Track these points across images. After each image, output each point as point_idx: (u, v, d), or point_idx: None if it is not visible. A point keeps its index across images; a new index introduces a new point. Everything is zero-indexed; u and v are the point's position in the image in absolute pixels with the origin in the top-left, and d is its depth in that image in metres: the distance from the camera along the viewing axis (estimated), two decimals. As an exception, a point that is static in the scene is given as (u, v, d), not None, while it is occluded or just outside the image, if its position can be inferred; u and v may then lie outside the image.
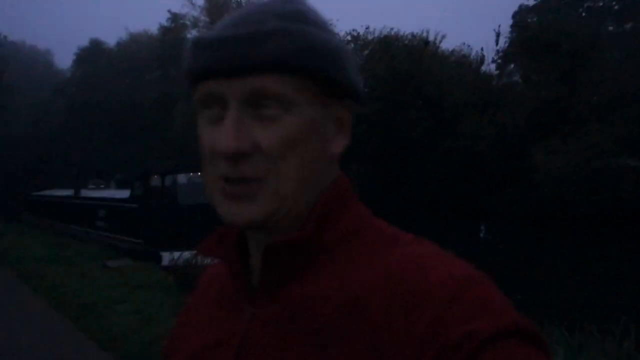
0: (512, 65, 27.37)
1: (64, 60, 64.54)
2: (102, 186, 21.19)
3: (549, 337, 3.73)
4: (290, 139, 0.57)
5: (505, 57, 27.30)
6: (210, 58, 0.58)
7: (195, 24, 37.15)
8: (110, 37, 59.30)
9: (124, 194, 14.62)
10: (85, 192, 18.97)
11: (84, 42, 47.75)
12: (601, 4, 26.15)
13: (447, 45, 31.17)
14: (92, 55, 44.86)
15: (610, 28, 23.11)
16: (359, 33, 31.16)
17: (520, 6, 30.26)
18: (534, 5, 29.23)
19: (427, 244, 0.59)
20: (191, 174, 13.02)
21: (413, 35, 29.45)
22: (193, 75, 0.60)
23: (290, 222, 0.60)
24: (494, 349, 0.47)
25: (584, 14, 23.90)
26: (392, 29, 30.21)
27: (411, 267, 0.55)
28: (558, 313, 5.24)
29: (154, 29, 43.14)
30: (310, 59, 0.58)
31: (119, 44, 47.71)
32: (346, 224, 0.62)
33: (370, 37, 30.98)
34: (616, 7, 24.98)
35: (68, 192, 19.69)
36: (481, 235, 17.95)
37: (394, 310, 0.52)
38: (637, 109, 19.27)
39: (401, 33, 30.00)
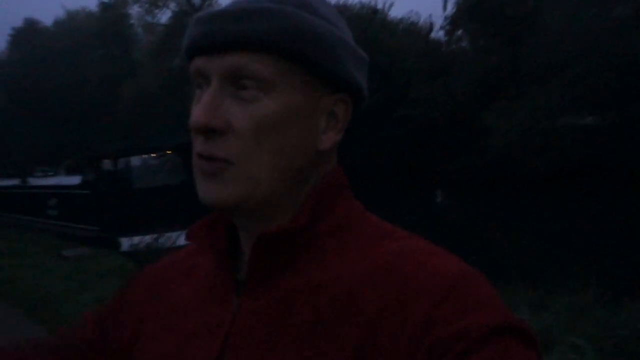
0: (460, 32, 27.72)
1: (-3, 42, 61.02)
2: (51, 173, 20.42)
3: (513, 296, 3.86)
4: (264, 123, 0.56)
5: (453, 23, 27.59)
6: (198, 34, 0.57)
7: (136, 0, 35.61)
8: (46, 16, 56.58)
9: (75, 180, 14.14)
10: (33, 181, 18.23)
11: (18, 22, 45.55)
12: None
13: (395, 13, 31.38)
14: (28, 35, 42.83)
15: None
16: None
17: (466, -28, 30.50)
18: (478, -29, 29.51)
19: (421, 240, 0.59)
20: (145, 155, 12.69)
21: (362, 4, 29.42)
22: (185, 52, 0.60)
23: (278, 212, 0.60)
24: (485, 347, 0.48)
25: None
26: (340, -2, 30.08)
27: (405, 261, 0.55)
28: (518, 272, 5.43)
29: (92, 5, 41.46)
30: (290, 40, 0.55)
31: (56, 22, 45.70)
32: (338, 216, 0.61)
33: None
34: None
35: (13, 182, 18.86)
36: (438, 200, 18.38)
37: (387, 304, 0.52)
38: (577, 70, 19.97)
39: (349, 2, 29.92)
